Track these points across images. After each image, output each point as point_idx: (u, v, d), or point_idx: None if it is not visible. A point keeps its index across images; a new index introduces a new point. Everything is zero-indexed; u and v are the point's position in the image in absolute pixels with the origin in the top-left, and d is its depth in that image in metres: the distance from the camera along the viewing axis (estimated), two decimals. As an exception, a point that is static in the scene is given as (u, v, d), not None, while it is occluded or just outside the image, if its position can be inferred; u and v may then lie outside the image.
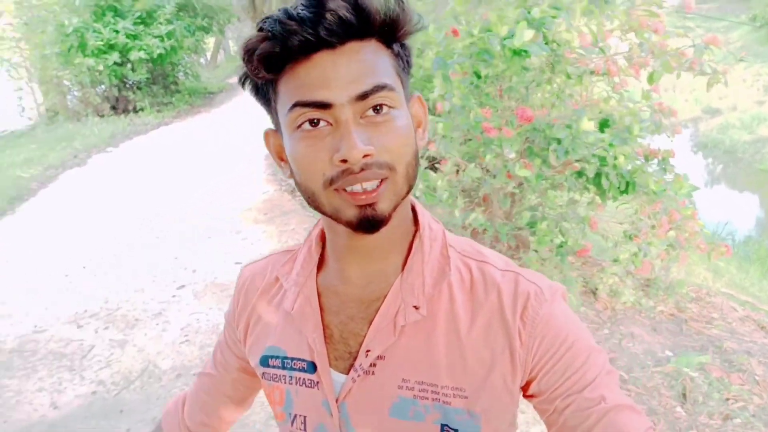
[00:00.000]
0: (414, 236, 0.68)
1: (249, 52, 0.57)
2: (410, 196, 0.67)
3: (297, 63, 0.57)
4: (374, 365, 0.66)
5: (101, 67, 8.42)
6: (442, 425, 0.64)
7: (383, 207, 0.58)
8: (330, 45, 0.56)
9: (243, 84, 0.64)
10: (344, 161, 0.55)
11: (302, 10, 0.55)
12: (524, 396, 0.66)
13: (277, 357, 0.73)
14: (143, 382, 2.77)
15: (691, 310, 3.05)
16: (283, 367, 0.72)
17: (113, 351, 3.05)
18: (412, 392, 0.64)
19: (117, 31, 8.39)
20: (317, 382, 0.68)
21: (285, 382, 0.72)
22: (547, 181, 3.11)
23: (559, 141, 2.73)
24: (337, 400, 0.67)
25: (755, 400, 2.26)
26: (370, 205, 0.58)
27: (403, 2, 0.59)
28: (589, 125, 2.67)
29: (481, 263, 0.68)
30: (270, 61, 0.57)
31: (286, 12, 0.55)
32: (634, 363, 2.56)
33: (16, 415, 2.64)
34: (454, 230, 3.90)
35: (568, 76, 2.91)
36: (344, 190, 0.57)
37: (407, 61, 0.63)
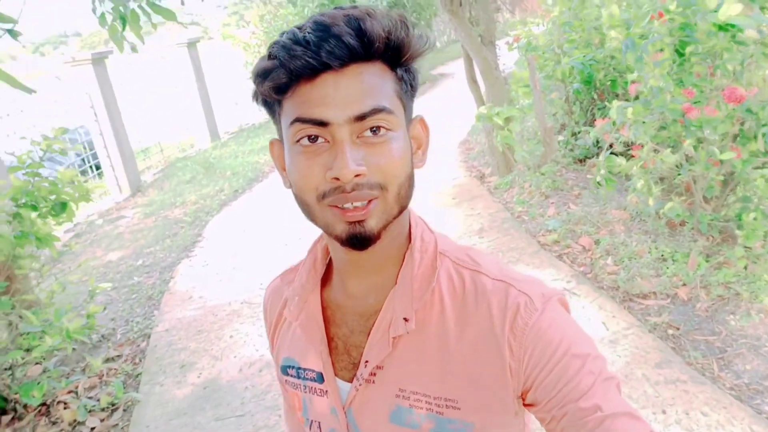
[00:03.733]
0: (407, 249, 0.70)
1: (259, 76, 0.61)
2: (409, 211, 0.69)
3: (302, 83, 0.59)
4: (374, 374, 0.69)
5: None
6: None
7: (372, 225, 0.60)
8: (333, 68, 0.58)
9: (254, 99, 0.67)
10: (336, 179, 0.58)
11: (309, 33, 0.57)
12: (524, 404, 0.67)
13: (292, 367, 0.78)
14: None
15: None
16: (298, 377, 0.77)
17: (316, 309, 3.56)
18: (408, 401, 0.67)
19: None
20: (326, 391, 0.73)
21: (301, 390, 0.77)
22: (762, 169, 2.73)
23: (777, 123, 2.40)
24: (344, 407, 0.72)
25: None
26: (359, 222, 0.60)
27: (408, 27, 0.60)
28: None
29: (475, 273, 0.68)
30: (278, 87, 0.60)
31: (293, 36, 0.58)
32: None
33: (243, 352, 3.26)
34: (648, 220, 3.62)
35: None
36: (336, 206, 0.60)
37: (411, 85, 0.65)
